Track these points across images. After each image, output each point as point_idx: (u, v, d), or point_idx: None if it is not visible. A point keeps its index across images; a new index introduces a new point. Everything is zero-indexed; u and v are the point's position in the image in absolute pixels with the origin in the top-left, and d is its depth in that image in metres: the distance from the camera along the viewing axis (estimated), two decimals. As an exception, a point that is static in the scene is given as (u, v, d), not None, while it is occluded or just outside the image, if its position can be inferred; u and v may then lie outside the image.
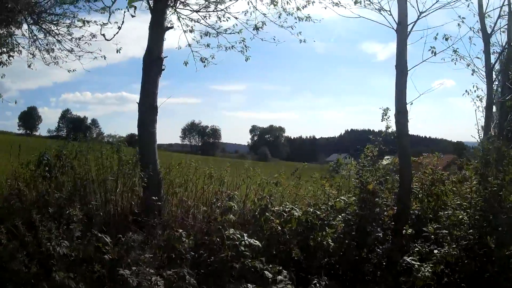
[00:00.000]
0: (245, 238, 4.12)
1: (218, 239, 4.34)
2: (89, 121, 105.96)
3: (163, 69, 6.80)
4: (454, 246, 4.73)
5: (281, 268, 4.12)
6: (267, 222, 4.67)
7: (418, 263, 4.37)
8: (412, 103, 6.44)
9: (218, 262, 4.12)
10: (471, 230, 5.07)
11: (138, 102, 6.61)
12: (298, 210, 4.81)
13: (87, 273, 3.96)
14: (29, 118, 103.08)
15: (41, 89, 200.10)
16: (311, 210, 4.85)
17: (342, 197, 5.36)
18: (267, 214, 4.70)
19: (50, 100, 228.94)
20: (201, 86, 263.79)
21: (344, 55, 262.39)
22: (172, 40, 8.28)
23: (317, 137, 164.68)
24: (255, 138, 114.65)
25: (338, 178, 6.56)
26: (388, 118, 6.57)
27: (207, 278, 4.12)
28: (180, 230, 4.31)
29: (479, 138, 8.29)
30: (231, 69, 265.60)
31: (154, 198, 5.40)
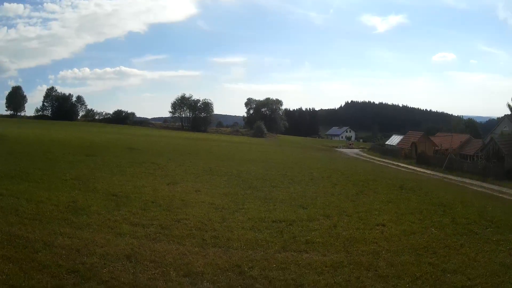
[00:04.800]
0: None
1: None
2: (74, 98, 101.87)
3: None
4: None
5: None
6: None
7: None
8: None
9: None
10: None
11: None
12: None
13: None
14: (14, 98, 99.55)
15: (40, 68, 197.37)
16: None
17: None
18: None
19: (48, 77, 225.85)
20: (200, 59, 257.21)
21: (344, 28, 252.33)
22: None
23: (317, 109, 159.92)
24: (251, 111, 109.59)
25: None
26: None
27: None
28: None
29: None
30: (230, 42, 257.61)
31: None
